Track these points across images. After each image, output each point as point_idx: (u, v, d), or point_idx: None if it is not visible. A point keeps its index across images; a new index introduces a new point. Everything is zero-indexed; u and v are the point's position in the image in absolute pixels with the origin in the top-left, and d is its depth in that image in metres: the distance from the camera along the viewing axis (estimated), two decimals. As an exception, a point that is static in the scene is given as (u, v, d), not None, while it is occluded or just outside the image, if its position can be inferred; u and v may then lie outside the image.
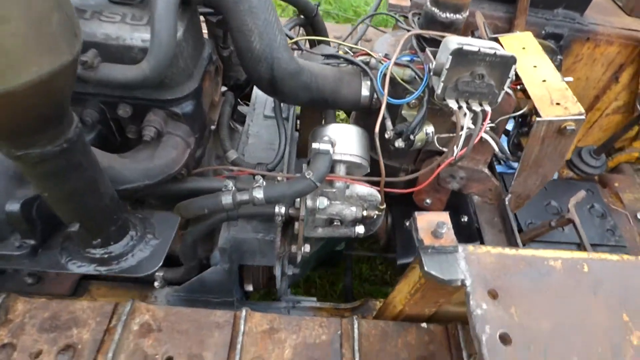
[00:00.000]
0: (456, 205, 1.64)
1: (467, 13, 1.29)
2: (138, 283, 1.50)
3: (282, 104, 1.48)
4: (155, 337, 1.18)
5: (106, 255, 0.85)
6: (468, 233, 1.55)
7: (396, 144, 1.23)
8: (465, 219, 1.60)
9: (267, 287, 1.73)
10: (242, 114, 1.75)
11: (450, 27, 1.27)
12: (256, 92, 1.77)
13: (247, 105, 1.83)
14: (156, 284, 1.41)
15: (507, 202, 1.39)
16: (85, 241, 0.80)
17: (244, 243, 1.31)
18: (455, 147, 1.11)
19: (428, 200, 1.59)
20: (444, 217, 0.94)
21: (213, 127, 1.30)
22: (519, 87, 1.27)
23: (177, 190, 1.12)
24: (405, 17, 1.43)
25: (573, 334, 0.83)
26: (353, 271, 2.47)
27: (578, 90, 2.02)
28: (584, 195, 1.58)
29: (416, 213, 0.95)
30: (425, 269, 0.87)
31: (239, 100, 1.65)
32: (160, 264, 0.87)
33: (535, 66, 1.28)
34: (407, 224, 1.75)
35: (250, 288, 1.65)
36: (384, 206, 1.28)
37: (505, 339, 0.81)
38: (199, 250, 1.35)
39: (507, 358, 0.78)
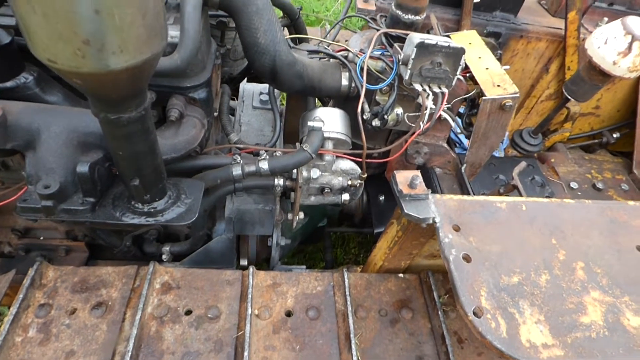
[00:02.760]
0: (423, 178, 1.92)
1: (425, 15, 1.57)
2: (143, 260, 1.66)
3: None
4: (176, 293, 1.36)
5: (152, 210, 1.02)
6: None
7: (373, 123, 1.49)
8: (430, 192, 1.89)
9: (260, 261, 1.93)
10: (231, 107, 1.95)
11: (412, 27, 1.55)
12: (243, 87, 1.98)
13: (234, 100, 2.03)
14: (164, 257, 1.58)
15: (463, 171, 1.68)
16: (139, 195, 0.98)
17: (246, 213, 1.52)
18: (421, 122, 1.38)
19: (398, 175, 1.86)
20: (417, 173, 1.20)
21: (215, 114, 1.49)
22: (468, 74, 1.56)
23: (191, 167, 1.31)
24: (374, 19, 1.70)
25: (515, 253, 1.11)
26: (333, 252, 2.71)
27: (516, 80, 2.36)
28: (525, 165, 1.90)
29: (395, 172, 1.21)
30: (405, 211, 1.13)
31: (229, 94, 1.84)
32: (196, 216, 1.06)
33: (480, 57, 1.58)
34: (381, 198, 2.02)
35: (245, 262, 1.84)
36: (365, 175, 1.52)
37: (466, 259, 1.07)
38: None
39: (468, 271, 1.05)
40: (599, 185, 2.30)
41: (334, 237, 2.83)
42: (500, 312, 0.98)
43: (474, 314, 0.97)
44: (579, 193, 2.26)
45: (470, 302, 0.98)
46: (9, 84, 1.01)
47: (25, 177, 0.96)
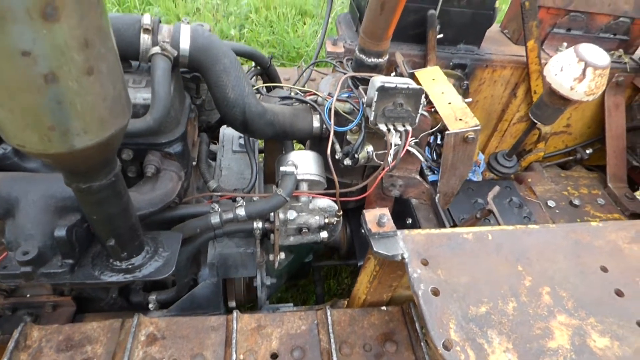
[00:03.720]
0: (401, 210, 1.98)
1: (387, 57, 1.67)
2: (130, 310, 1.68)
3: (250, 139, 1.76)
4: (161, 344, 1.38)
5: (130, 266, 1.06)
6: (413, 231, 1.89)
7: (345, 162, 1.55)
8: (409, 220, 1.94)
9: (247, 301, 1.96)
10: (212, 151, 2.02)
11: (376, 69, 1.64)
12: (223, 131, 2.05)
13: (215, 144, 2.11)
14: (151, 306, 1.60)
15: (437, 201, 1.74)
16: (116, 254, 1.02)
17: (228, 257, 1.56)
18: (389, 159, 1.45)
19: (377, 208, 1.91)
20: (385, 211, 1.25)
21: (194, 163, 1.56)
22: (432, 109, 1.65)
23: (171, 217, 1.36)
24: (341, 62, 1.79)
25: (483, 283, 1.15)
26: (323, 285, 2.73)
27: (486, 106, 2.48)
28: (499, 190, 1.96)
29: (364, 210, 1.26)
30: (375, 249, 1.17)
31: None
32: (173, 269, 1.10)
33: (442, 92, 1.67)
34: (364, 231, 2.06)
35: (233, 304, 1.86)
36: (341, 213, 1.58)
37: (435, 292, 1.11)
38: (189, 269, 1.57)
39: (437, 305, 1.09)
40: (576, 202, 2.36)
41: (325, 269, 2.85)
42: (469, 344, 1.02)
43: (444, 347, 1.00)
44: (557, 211, 2.32)
45: (440, 335, 1.02)
46: (-12, 155, 1.08)
47: (5, 244, 1.01)
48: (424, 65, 2.15)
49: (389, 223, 1.22)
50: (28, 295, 1.58)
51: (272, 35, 4.75)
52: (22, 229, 0.99)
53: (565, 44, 2.38)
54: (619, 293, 1.18)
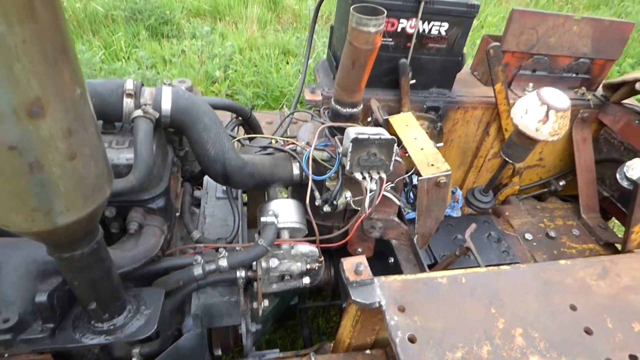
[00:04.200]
0: (383, 250, 2.03)
1: (362, 106, 1.76)
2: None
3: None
4: (145, 400, 1.37)
5: (112, 327, 1.08)
6: (395, 271, 1.93)
7: (324, 209, 1.61)
8: (392, 260, 1.99)
9: (234, 349, 1.95)
10: (197, 198, 2.06)
11: (351, 118, 1.72)
12: (207, 178, 2.10)
13: (200, 189, 2.15)
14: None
15: (415, 242, 1.79)
16: (97, 316, 1.04)
17: (212, 307, 1.57)
18: (365, 205, 1.51)
19: (359, 249, 1.96)
20: (362, 259, 1.30)
21: (177, 214, 1.60)
22: (407, 154, 1.73)
23: (155, 271, 1.39)
24: (318, 111, 1.88)
25: (458, 327, 1.19)
26: (311, 326, 2.72)
27: (461, 144, 2.58)
28: (475, 227, 2.03)
29: (342, 259, 1.30)
30: (353, 298, 1.21)
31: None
32: (155, 327, 1.11)
33: (415, 138, 1.76)
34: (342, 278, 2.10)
35: (219, 352, 1.86)
36: (322, 259, 1.62)
37: (412, 339, 1.15)
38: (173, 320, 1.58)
39: (414, 352, 1.12)
40: (552, 234, 2.44)
41: (312, 309, 2.85)
42: (446, 390, 1.04)
43: (422, 395, 1.03)
44: (534, 243, 2.39)
45: (417, 383, 1.05)
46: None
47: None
48: (399, 109, 2.25)
49: (366, 270, 1.27)
50: (7, 355, 1.56)
51: (256, 75, 4.89)
52: (2, 296, 1.01)
53: (531, 84, 2.53)
54: (588, 331, 1.23)
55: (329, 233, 1.72)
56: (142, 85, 1.29)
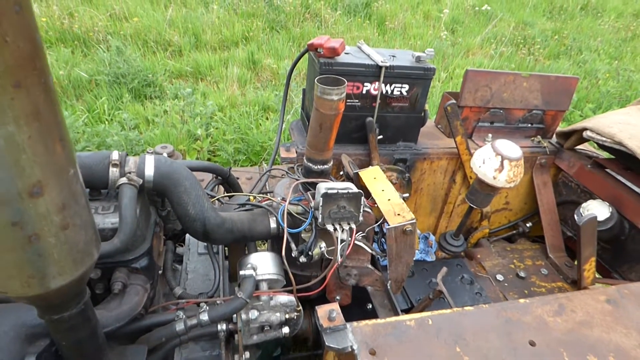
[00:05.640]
0: (361, 297, 2.11)
1: (332, 162, 1.92)
2: None
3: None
4: None
5: None
6: (373, 316, 2.00)
7: (300, 260, 1.71)
8: (369, 306, 2.06)
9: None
10: (179, 254, 2.13)
11: (322, 174, 1.87)
12: (189, 236, 2.19)
13: (182, 245, 2.23)
14: (116, 421, 1.59)
15: (389, 287, 1.89)
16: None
17: (194, 362, 1.61)
18: (338, 255, 1.61)
19: (338, 297, 2.03)
20: (335, 306, 1.39)
21: (160, 272, 1.67)
22: (375, 205, 1.86)
23: (139, 328, 1.44)
24: (292, 168, 2.03)
25: (426, 367, 1.27)
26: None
27: (431, 192, 2.75)
28: (446, 270, 2.14)
29: (316, 307, 1.39)
30: (327, 344, 1.29)
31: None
32: (138, 384, 1.16)
33: (383, 190, 1.91)
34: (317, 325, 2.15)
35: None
36: (300, 308, 1.69)
37: (384, 381, 1.22)
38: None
39: (386, 393, 1.19)
40: (522, 274, 2.56)
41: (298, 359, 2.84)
42: None
43: None
44: (506, 284, 2.50)
45: None
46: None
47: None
48: (369, 163, 2.43)
49: (339, 317, 1.35)
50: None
51: (237, 132, 5.10)
52: (-7, 359, 1.06)
53: (490, 135, 2.76)
54: (547, 365, 1.32)
55: (307, 282, 1.81)
56: (127, 155, 1.42)
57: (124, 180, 1.34)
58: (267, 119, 5.69)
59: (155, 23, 7.51)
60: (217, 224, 1.55)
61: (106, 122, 5.31)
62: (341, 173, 2.27)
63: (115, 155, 1.36)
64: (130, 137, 4.86)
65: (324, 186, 1.64)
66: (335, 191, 1.59)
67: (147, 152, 1.45)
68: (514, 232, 3.02)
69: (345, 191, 1.61)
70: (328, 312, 1.35)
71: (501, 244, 2.90)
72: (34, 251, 0.76)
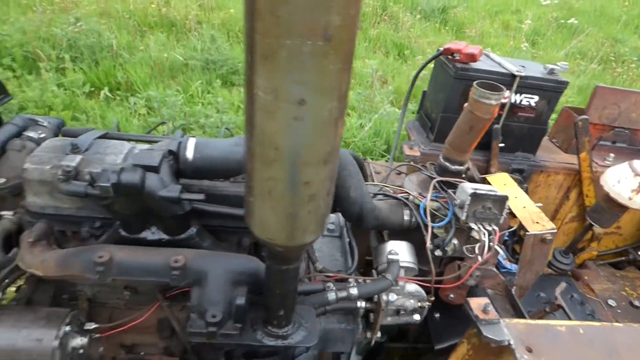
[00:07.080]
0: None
1: (468, 164, 1.97)
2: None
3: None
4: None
5: (284, 333, 1.25)
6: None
7: (436, 253, 1.78)
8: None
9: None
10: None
11: (458, 175, 1.93)
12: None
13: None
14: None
15: (514, 293, 1.91)
16: (280, 322, 1.24)
17: (330, 332, 1.73)
18: (479, 254, 1.67)
19: (452, 295, 2.08)
20: (487, 300, 1.45)
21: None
22: (507, 211, 1.89)
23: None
24: (424, 166, 2.10)
25: (582, 372, 1.30)
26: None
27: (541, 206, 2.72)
28: (565, 286, 2.12)
29: (468, 299, 1.46)
30: (484, 334, 1.35)
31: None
32: (316, 340, 1.29)
33: (516, 197, 1.93)
34: (437, 315, 2.21)
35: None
36: (433, 298, 1.77)
37: (542, 377, 1.26)
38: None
39: (545, 389, 1.23)
40: (636, 303, 2.47)
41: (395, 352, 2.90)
42: None
43: None
44: (619, 311, 2.42)
45: (554, 418, 1.16)
46: (183, 235, 1.36)
47: (191, 308, 1.24)
48: (487, 169, 2.45)
49: (493, 311, 1.41)
50: (142, 353, 1.77)
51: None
52: (209, 297, 1.22)
53: (612, 155, 2.67)
54: None
55: (424, 276, 1.88)
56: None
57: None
58: (348, 115, 5.81)
59: (242, 15, 7.85)
60: (370, 209, 1.66)
61: (201, 104, 5.67)
62: (463, 176, 2.31)
63: None
64: (224, 119, 5.16)
65: (470, 186, 1.70)
66: (484, 192, 1.65)
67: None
68: (623, 258, 2.91)
69: (493, 193, 1.66)
70: (483, 306, 1.41)
71: (608, 269, 2.81)
72: (310, 209, 0.89)
